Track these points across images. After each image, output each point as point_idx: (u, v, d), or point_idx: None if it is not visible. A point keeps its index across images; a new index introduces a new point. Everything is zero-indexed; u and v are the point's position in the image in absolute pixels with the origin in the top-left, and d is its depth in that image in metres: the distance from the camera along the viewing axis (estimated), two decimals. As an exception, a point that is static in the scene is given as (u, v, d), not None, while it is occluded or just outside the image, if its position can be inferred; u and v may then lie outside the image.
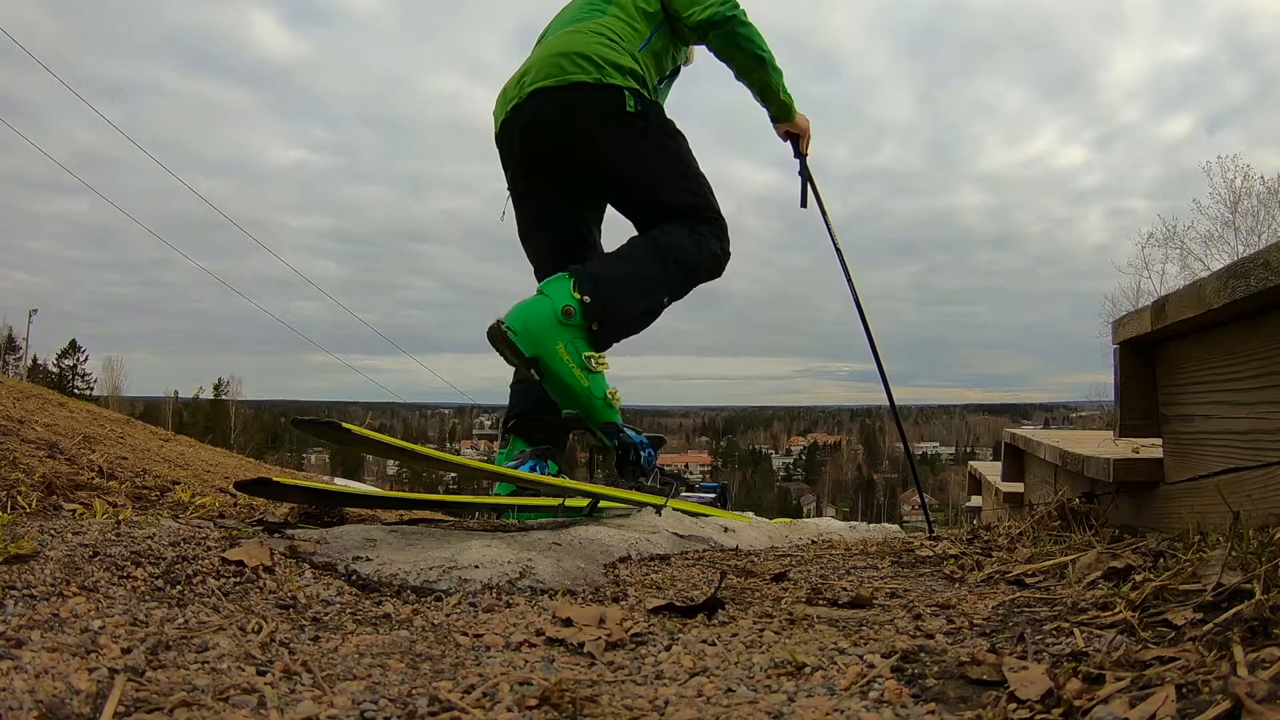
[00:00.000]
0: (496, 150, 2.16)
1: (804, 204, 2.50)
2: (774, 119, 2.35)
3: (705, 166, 2.10)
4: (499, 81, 2.14)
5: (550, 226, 2.16)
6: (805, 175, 2.45)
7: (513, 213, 2.20)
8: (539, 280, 2.11)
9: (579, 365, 1.82)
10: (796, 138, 2.41)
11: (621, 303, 1.87)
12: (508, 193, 2.19)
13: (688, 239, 1.99)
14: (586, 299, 1.79)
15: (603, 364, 1.89)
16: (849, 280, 2.37)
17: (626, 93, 1.94)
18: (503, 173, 2.18)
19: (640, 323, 1.97)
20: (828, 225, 2.42)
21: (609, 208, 2.23)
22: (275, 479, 1.41)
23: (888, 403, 2.38)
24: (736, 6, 2.07)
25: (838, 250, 2.39)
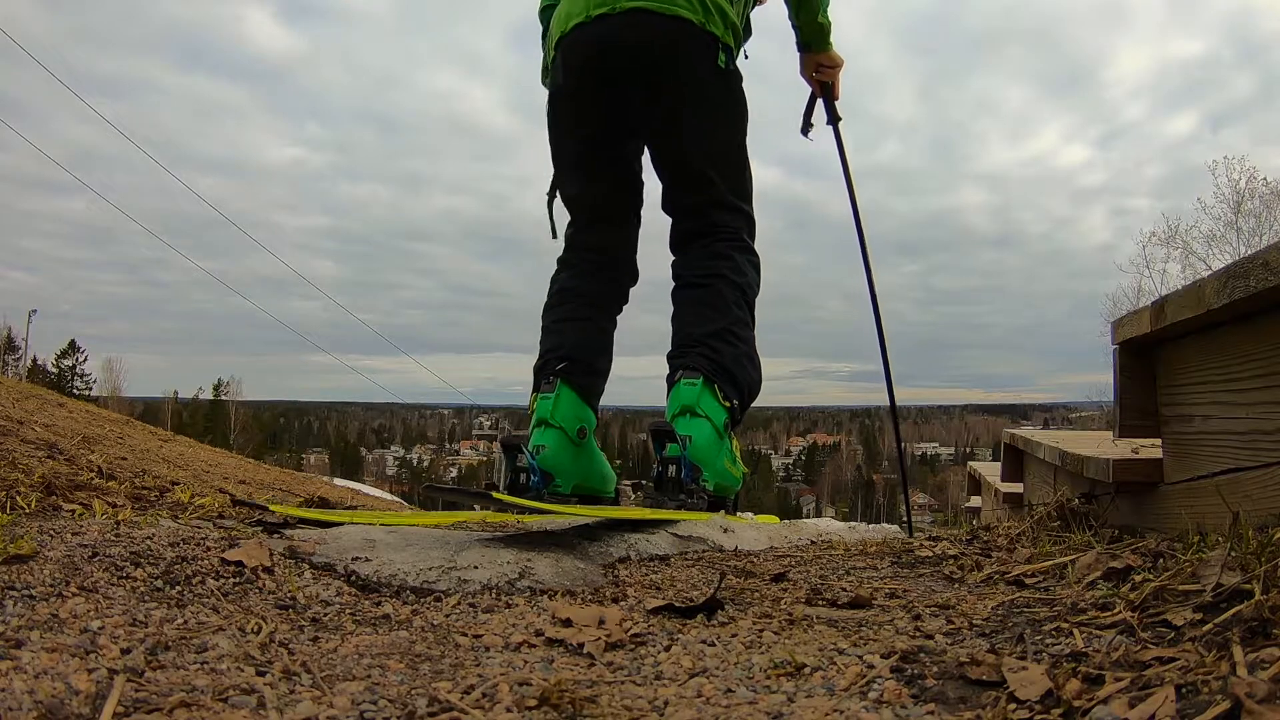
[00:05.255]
0: (560, 58, 1.80)
1: (805, 131, 2.04)
2: (805, 47, 1.95)
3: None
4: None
5: (605, 154, 1.87)
6: (834, 124, 2.02)
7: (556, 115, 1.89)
8: (576, 199, 1.91)
9: (734, 463, 1.79)
10: (828, 85, 1.99)
11: (753, 387, 1.82)
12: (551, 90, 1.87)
13: (754, 275, 1.88)
14: (734, 403, 1.74)
15: (738, 447, 1.84)
16: (865, 256, 2.09)
17: (721, 47, 1.72)
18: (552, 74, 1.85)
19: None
20: (851, 196, 2.06)
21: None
22: (271, 507, 1.40)
23: (888, 399, 2.22)
24: None
25: (858, 222, 2.09)
